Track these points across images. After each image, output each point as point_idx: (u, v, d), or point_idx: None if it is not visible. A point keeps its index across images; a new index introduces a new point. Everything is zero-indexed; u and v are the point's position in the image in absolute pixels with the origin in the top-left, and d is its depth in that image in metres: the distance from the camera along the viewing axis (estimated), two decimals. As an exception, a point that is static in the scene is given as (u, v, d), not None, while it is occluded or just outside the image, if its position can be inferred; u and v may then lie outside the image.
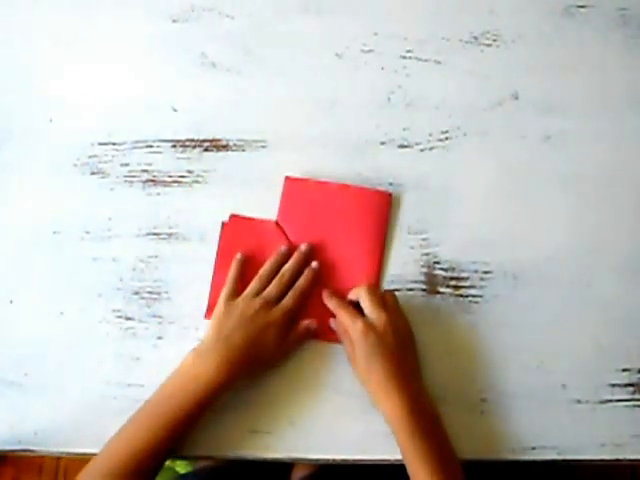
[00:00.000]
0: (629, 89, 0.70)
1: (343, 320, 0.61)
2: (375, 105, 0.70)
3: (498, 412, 0.62)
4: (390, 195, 0.67)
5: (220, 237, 0.66)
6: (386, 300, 0.62)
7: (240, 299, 0.62)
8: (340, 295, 0.64)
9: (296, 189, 0.67)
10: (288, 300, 0.63)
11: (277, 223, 0.67)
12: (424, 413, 0.58)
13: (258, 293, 0.63)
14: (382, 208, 0.67)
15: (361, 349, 0.59)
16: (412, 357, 0.62)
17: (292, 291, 0.63)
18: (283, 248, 0.65)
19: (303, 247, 0.65)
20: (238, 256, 0.65)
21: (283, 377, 0.63)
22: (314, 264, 0.65)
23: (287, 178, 0.68)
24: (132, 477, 0.55)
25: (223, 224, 0.67)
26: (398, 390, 0.57)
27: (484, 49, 0.71)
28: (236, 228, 0.67)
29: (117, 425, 0.58)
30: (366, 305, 0.61)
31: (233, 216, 0.67)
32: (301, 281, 0.64)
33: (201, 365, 0.59)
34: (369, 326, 0.59)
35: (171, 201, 0.68)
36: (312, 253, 0.66)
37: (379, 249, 0.66)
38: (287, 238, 0.66)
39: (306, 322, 0.63)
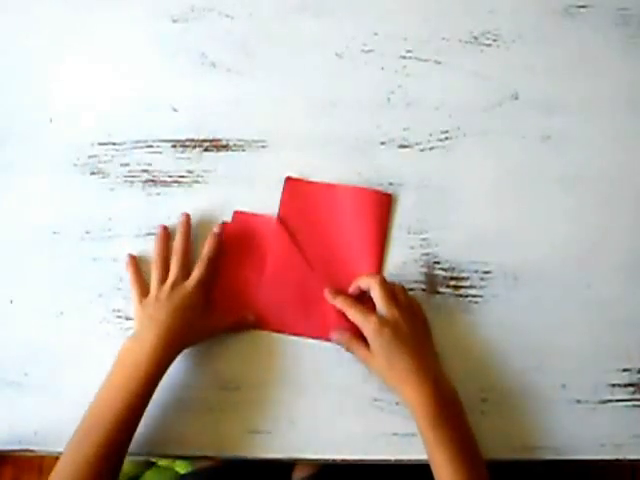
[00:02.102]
0: (629, 89, 0.70)
1: (355, 318, 0.61)
2: (375, 105, 0.70)
3: (498, 412, 0.62)
4: (390, 196, 0.67)
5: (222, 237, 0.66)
6: (396, 293, 0.62)
7: (151, 291, 0.63)
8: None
9: (296, 190, 0.67)
10: (196, 271, 0.63)
11: (278, 221, 0.67)
12: (449, 400, 0.58)
13: (163, 280, 0.63)
14: (382, 208, 0.67)
15: (378, 345, 0.59)
16: (429, 345, 0.62)
17: (199, 262, 0.64)
18: (159, 229, 0.66)
19: (181, 218, 0.66)
20: (128, 259, 0.66)
21: (283, 377, 0.63)
22: (215, 229, 0.66)
23: (288, 178, 0.67)
24: (93, 477, 0.55)
25: (223, 223, 0.67)
26: (420, 379, 0.57)
27: (484, 49, 0.71)
28: (238, 225, 0.67)
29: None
30: (378, 299, 0.61)
31: (237, 213, 0.67)
32: (205, 249, 0.65)
33: (137, 350, 0.58)
34: (383, 322, 0.59)
35: (171, 201, 0.68)
36: (189, 221, 0.66)
37: (379, 249, 0.66)
38: (287, 236, 0.66)
39: (245, 313, 0.64)
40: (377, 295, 0.61)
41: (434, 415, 0.56)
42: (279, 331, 0.64)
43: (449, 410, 0.57)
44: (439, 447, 0.55)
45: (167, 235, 0.66)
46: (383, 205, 0.67)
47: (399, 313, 0.60)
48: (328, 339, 0.64)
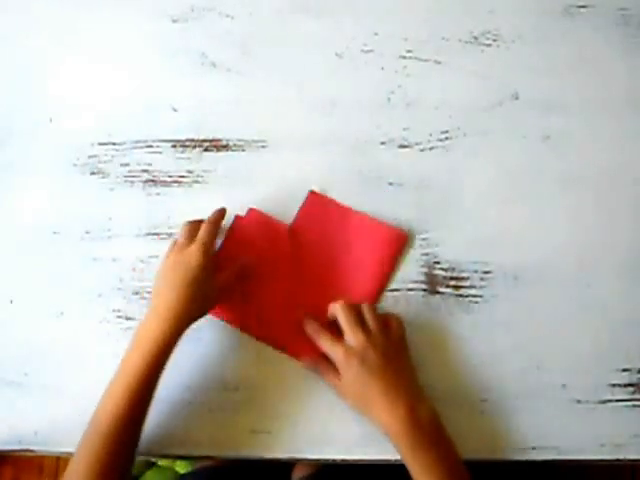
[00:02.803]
0: (629, 89, 0.70)
1: (323, 347, 0.60)
2: (375, 105, 0.70)
3: (498, 412, 0.62)
4: (406, 237, 0.66)
5: (230, 228, 0.66)
6: (364, 314, 0.61)
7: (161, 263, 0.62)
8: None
9: (317, 205, 0.67)
10: (201, 233, 0.62)
11: (290, 230, 0.66)
12: (425, 423, 0.57)
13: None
14: (396, 247, 0.66)
15: (347, 376, 0.58)
16: (403, 366, 0.60)
17: (203, 225, 0.63)
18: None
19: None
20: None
21: (284, 377, 0.63)
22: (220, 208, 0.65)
23: (311, 192, 0.67)
24: (109, 465, 0.54)
25: (236, 216, 0.67)
26: (393, 405, 0.56)
27: (484, 49, 0.71)
28: (250, 222, 0.66)
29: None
30: (343, 325, 0.60)
31: (251, 210, 0.67)
32: (210, 216, 0.64)
33: (143, 326, 0.58)
34: (350, 352, 0.58)
35: (171, 201, 0.68)
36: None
37: (381, 285, 0.65)
38: (292, 247, 0.66)
39: (236, 266, 0.63)
40: (342, 321, 0.60)
41: (413, 440, 0.55)
42: (260, 338, 0.64)
43: (427, 432, 0.56)
44: (423, 470, 0.55)
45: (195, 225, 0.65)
46: (398, 245, 0.66)
47: (366, 338, 0.58)
48: (293, 354, 0.63)
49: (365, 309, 0.61)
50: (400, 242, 0.66)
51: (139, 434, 0.56)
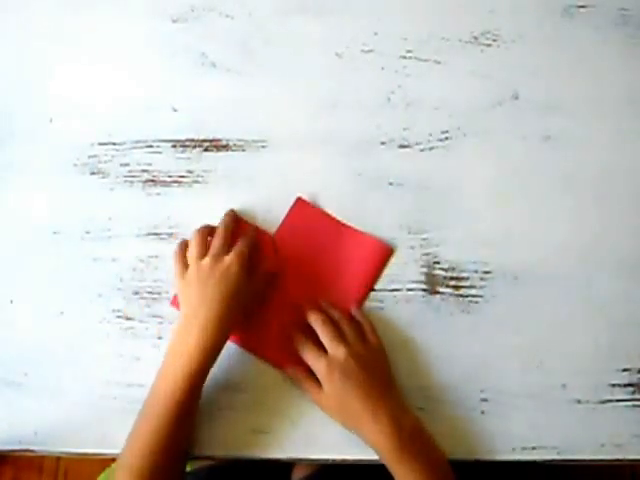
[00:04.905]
0: (629, 89, 0.70)
1: (306, 359, 0.60)
2: (375, 105, 0.70)
3: (498, 412, 0.62)
4: (392, 250, 0.66)
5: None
6: (342, 326, 0.61)
7: (190, 266, 0.61)
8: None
9: (303, 213, 0.66)
10: (240, 244, 0.62)
11: (273, 237, 0.66)
12: (409, 433, 0.57)
13: (202, 255, 0.61)
14: (379, 260, 0.65)
15: (329, 388, 0.58)
16: (384, 377, 0.61)
17: (242, 239, 0.63)
18: (204, 228, 0.64)
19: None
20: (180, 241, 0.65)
21: (284, 377, 0.63)
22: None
23: (298, 199, 0.67)
24: (160, 470, 0.55)
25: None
26: (377, 419, 0.57)
27: (484, 49, 0.71)
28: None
29: (117, 425, 0.59)
30: (323, 339, 0.60)
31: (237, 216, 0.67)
32: (250, 231, 0.64)
33: (187, 337, 0.58)
34: (332, 364, 0.58)
35: (171, 201, 0.68)
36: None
37: (362, 295, 0.65)
38: (276, 255, 0.65)
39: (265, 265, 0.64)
40: (322, 335, 0.60)
41: (399, 452, 0.55)
42: (242, 346, 0.64)
43: (413, 442, 0.57)
44: (408, 479, 0.55)
45: (210, 228, 0.65)
46: (381, 257, 0.65)
47: (346, 350, 0.59)
48: (274, 363, 0.63)
49: (341, 320, 0.62)
50: (385, 255, 0.65)
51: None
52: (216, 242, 0.62)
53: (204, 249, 0.62)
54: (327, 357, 0.59)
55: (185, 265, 0.62)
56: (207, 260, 0.60)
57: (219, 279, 0.59)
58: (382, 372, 0.61)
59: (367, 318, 0.64)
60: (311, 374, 0.60)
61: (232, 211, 0.66)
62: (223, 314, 0.58)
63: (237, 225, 0.66)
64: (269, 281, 0.64)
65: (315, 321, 0.62)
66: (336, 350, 0.59)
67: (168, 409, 0.56)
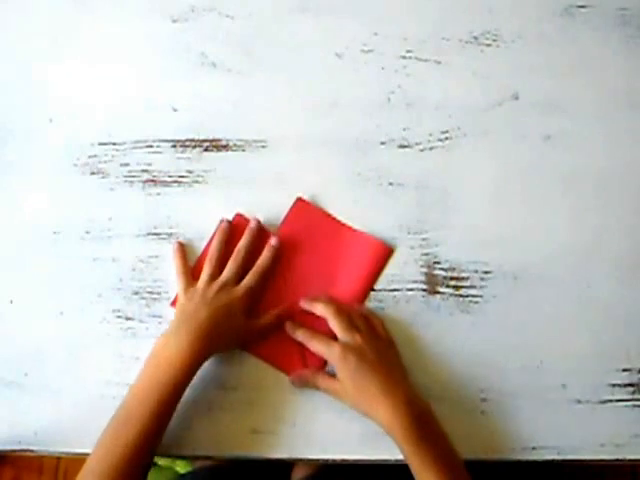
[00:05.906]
0: (629, 89, 0.70)
1: (317, 349, 0.60)
2: (375, 105, 0.70)
3: (498, 412, 0.62)
4: (392, 250, 0.66)
5: (216, 231, 0.66)
6: (354, 318, 0.61)
7: (199, 284, 0.62)
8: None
9: (303, 213, 0.66)
10: (250, 278, 0.63)
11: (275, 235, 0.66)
12: (425, 417, 0.57)
13: (214, 277, 0.63)
14: (379, 260, 0.65)
15: (345, 372, 0.58)
16: (397, 365, 0.61)
17: (253, 270, 0.63)
18: (225, 225, 0.65)
19: (252, 223, 0.65)
20: (176, 245, 0.65)
21: (283, 377, 0.63)
22: (273, 241, 0.65)
23: (298, 199, 0.67)
24: (127, 474, 0.55)
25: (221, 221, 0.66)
26: (393, 401, 0.56)
27: (484, 49, 0.71)
28: (238, 226, 0.66)
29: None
30: (336, 329, 0.60)
31: (238, 215, 0.67)
32: (262, 260, 0.64)
33: (172, 346, 0.58)
34: (347, 348, 0.58)
35: (171, 201, 0.68)
36: (262, 231, 0.65)
37: (362, 294, 0.65)
38: (277, 255, 0.65)
39: (276, 310, 0.63)
40: (335, 326, 0.60)
41: (415, 435, 0.55)
42: (246, 350, 0.64)
43: (427, 427, 0.57)
44: (424, 464, 0.55)
45: (229, 232, 0.65)
46: (381, 257, 0.65)
47: (360, 337, 0.59)
48: (288, 375, 0.63)
49: (354, 313, 0.62)
50: (384, 255, 0.65)
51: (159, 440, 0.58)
52: (231, 267, 0.63)
53: (218, 273, 0.63)
54: (339, 343, 0.59)
55: (190, 281, 0.63)
56: (217, 286, 0.61)
57: (224, 308, 0.60)
58: (394, 359, 0.61)
59: (376, 314, 0.64)
60: (318, 371, 0.61)
61: (257, 221, 0.66)
62: (214, 336, 0.59)
63: (259, 236, 0.65)
64: (277, 324, 0.63)
65: (327, 311, 0.61)
66: (352, 336, 0.59)
67: (140, 418, 0.56)
